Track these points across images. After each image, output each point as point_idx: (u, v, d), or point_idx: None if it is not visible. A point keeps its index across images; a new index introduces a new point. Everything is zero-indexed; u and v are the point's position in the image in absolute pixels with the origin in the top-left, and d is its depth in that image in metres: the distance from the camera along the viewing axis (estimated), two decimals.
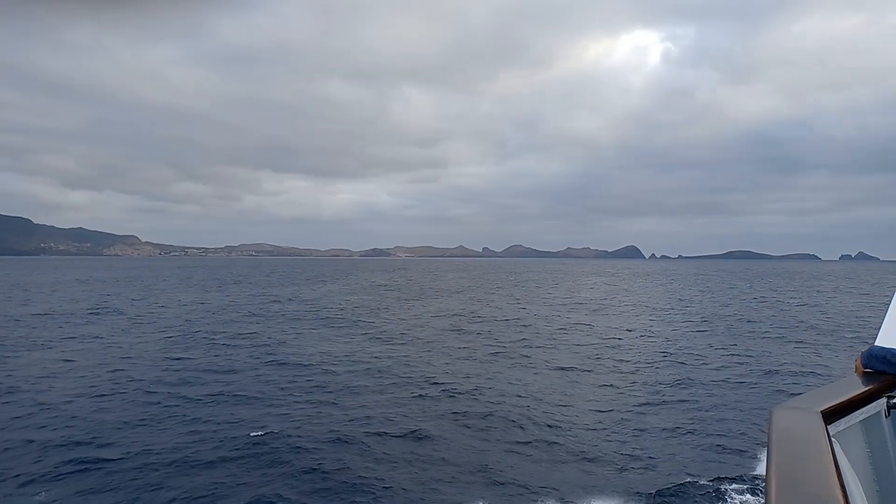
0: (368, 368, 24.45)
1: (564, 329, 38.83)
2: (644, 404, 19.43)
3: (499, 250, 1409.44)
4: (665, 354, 29.04)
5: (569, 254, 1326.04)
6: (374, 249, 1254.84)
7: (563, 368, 25.20)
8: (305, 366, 24.76)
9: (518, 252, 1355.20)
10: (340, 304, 57.35)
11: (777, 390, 21.59)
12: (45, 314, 44.45)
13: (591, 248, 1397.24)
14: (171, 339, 32.06)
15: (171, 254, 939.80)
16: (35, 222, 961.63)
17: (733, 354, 28.90)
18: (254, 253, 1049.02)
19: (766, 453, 1.78)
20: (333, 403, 18.85)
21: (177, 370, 23.72)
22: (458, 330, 37.97)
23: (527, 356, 28.22)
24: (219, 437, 15.39)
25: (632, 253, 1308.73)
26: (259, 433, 15.52)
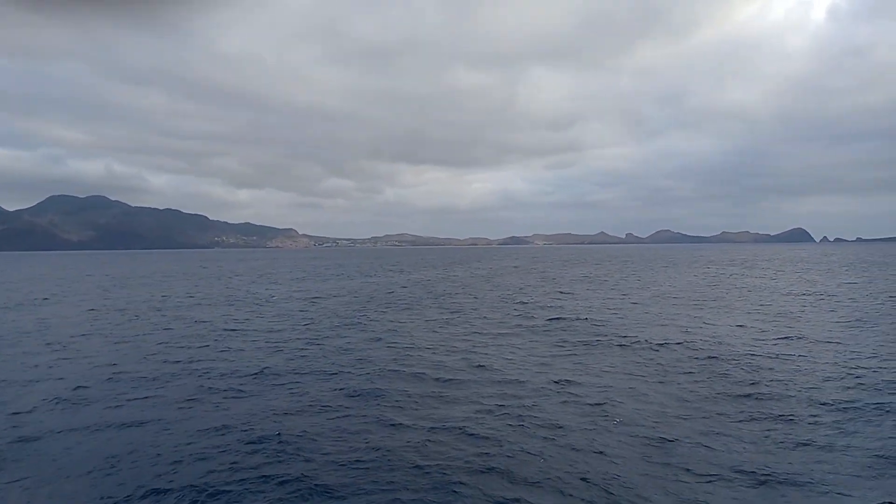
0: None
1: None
2: None
3: (644, 236, 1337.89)
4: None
5: (724, 238, 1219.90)
6: (512, 237, 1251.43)
7: None
8: None
9: (665, 238, 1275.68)
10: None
11: None
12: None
13: (751, 231, 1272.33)
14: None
15: (325, 245, 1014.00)
16: (210, 219, 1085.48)
17: None
18: (396, 243, 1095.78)
19: None
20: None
21: None
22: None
23: None
24: None
25: (799, 236, 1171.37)
26: None
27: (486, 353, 25.97)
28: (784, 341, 28.24)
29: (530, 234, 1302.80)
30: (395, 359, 24.70)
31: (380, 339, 29.73)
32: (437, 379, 21.02)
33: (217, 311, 44.35)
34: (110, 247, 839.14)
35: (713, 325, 34.25)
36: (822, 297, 50.55)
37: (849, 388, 19.37)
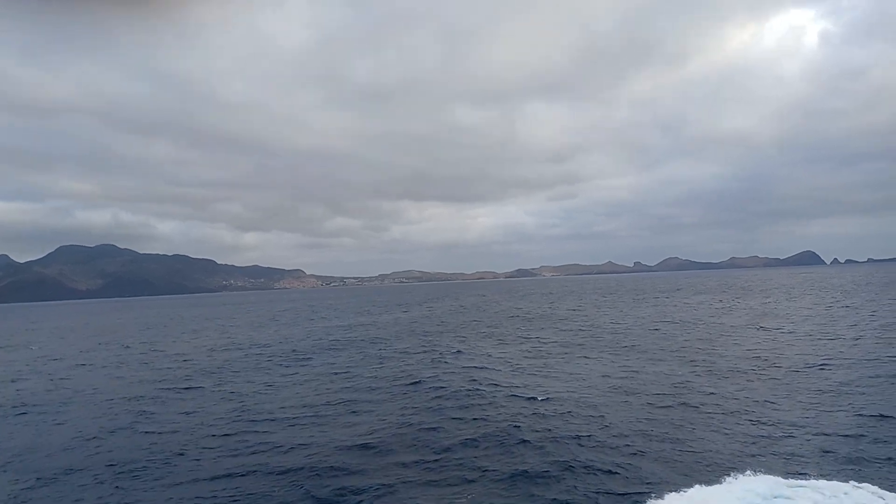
0: None
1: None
2: None
3: (652, 264, 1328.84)
4: None
5: (733, 264, 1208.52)
6: (519, 270, 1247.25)
7: None
8: None
9: (674, 265, 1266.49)
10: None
11: None
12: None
13: (760, 255, 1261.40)
14: None
15: (332, 284, 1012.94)
16: (218, 263, 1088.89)
17: None
18: (404, 280, 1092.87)
19: None
20: None
21: None
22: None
23: None
24: None
25: (809, 259, 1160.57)
26: None
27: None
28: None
29: (538, 267, 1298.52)
30: None
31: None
32: None
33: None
34: (119, 294, 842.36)
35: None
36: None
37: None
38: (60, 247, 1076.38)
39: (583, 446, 17.69)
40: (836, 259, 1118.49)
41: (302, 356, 41.02)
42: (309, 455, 17.98)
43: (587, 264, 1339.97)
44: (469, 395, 24.64)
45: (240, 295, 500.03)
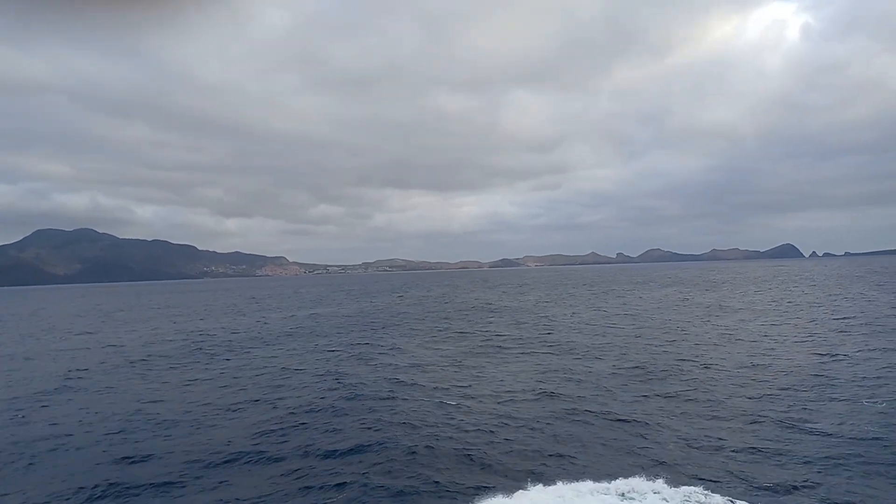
0: None
1: None
2: None
3: (634, 256, 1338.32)
4: None
5: (714, 256, 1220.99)
6: (504, 260, 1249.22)
7: None
8: None
9: (656, 256, 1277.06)
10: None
11: None
12: None
13: (741, 248, 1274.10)
14: None
15: (315, 272, 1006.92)
16: (199, 249, 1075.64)
17: None
18: (388, 269, 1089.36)
19: None
20: None
21: None
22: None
23: None
24: None
25: (788, 252, 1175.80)
26: None
27: None
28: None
29: (521, 256, 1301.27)
30: None
31: None
32: None
33: None
34: (97, 280, 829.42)
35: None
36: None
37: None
38: (37, 230, 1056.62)
39: (470, 462, 16.46)
40: (814, 252, 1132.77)
41: (238, 348, 39.44)
42: (167, 466, 16.54)
43: (571, 255, 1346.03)
44: (384, 398, 23.35)
45: (219, 282, 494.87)
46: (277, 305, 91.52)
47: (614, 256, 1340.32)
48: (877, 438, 16.95)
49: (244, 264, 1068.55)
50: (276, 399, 24.09)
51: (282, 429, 19.75)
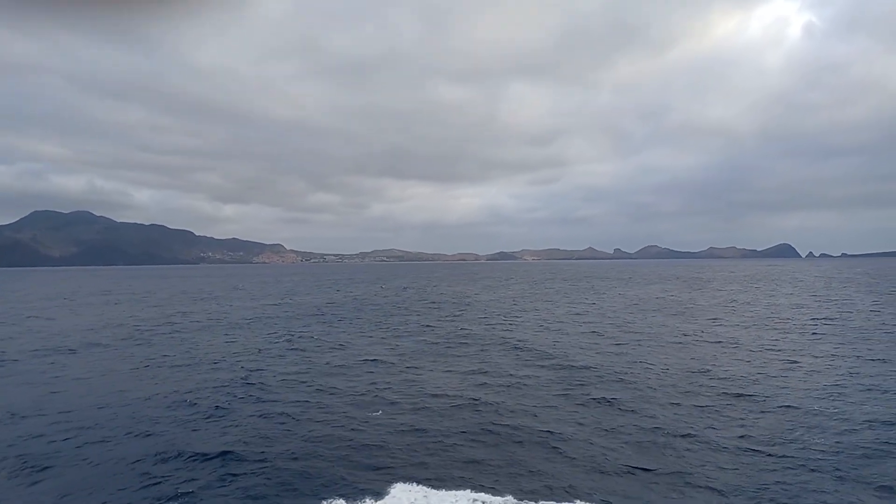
0: None
1: None
2: None
3: (632, 252, 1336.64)
4: None
5: (711, 254, 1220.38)
6: (501, 253, 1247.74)
7: None
8: None
9: (653, 253, 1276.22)
10: None
11: None
12: None
13: (738, 247, 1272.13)
14: None
15: (312, 260, 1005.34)
16: (196, 234, 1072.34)
17: None
18: (385, 259, 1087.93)
19: None
20: None
21: None
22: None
23: None
24: None
25: (785, 251, 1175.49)
26: None
27: None
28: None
29: (519, 250, 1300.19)
30: None
31: None
32: None
33: None
34: (93, 263, 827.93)
35: None
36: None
37: None
38: (34, 212, 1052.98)
39: (333, 486, 14.74)
40: (811, 253, 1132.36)
41: (183, 338, 37.70)
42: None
43: (568, 249, 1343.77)
44: (289, 402, 21.66)
45: (214, 268, 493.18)
46: (255, 294, 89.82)
47: (611, 252, 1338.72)
48: (819, 461, 15.26)
49: (241, 251, 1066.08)
50: (171, 392, 22.56)
51: (152, 423, 18.23)
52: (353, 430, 18.05)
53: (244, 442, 16.87)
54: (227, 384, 24.19)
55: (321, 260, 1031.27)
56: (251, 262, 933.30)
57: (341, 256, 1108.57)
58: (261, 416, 19.60)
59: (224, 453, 15.85)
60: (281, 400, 21.59)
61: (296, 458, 15.64)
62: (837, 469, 14.95)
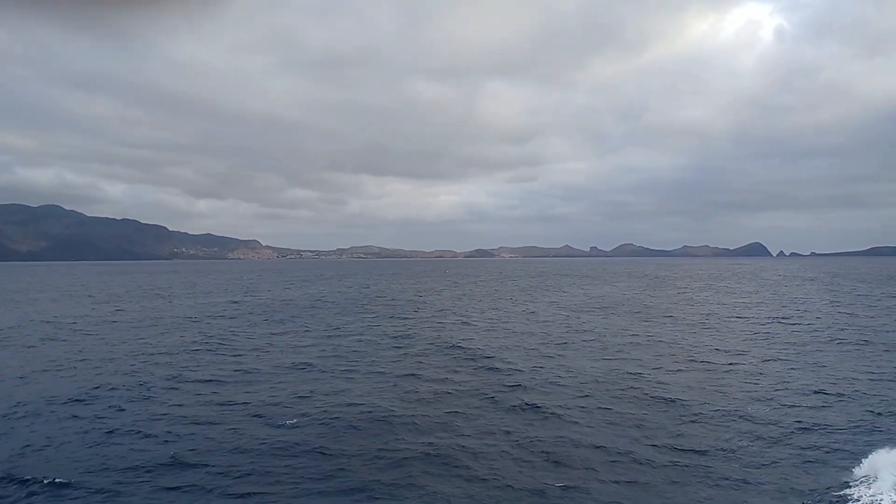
0: None
1: None
2: None
3: (608, 250, 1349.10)
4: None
5: (685, 252, 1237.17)
6: (478, 250, 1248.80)
7: None
8: None
9: (628, 251, 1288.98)
10: None
11: None
12: None
13: (711, 245, 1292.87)
14: None
15: (288, 257, 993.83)
16: (170, 229, 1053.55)
17: None
18: (362, 255, 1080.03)
19: None
20: None
21: None
22: None
23: None
24: None
25: (757, 250, 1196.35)
26: None
27: None
28: None
29: (496, 247, 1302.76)
30: None
31: None
32: None
33: None
34: (63, 258, 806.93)
35: None
36: None
37: None
38: (1, 205, 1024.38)
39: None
40: (781, 252, 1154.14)
41: (107, 340, 35.68)
42: None
43: (546, 247, 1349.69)
44: (190, 417, 20.08)
45: (187, 264, 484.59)
46: (211, 291, 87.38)
47: (588, 250, 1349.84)
48: (745, 481, 14.20)
49: (216, 247, 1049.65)
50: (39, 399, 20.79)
51: None
52: (242, 451, 16.51)
53: (98, 467, 15.24)
54: (115, 389, 22.44)
55: (297, 256, 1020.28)
56: (226, 258, 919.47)
57: (318, 253, 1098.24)
58: (130, 432, 17.92)
59: (60, 484, 14.25)
60: (169, 414, 19.79)
61: (157, 488, 14.09)
62: (768, 477, 14.03)
